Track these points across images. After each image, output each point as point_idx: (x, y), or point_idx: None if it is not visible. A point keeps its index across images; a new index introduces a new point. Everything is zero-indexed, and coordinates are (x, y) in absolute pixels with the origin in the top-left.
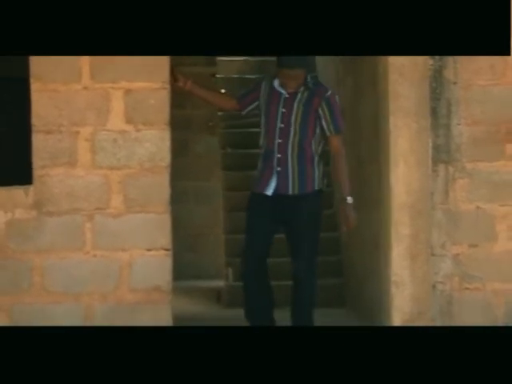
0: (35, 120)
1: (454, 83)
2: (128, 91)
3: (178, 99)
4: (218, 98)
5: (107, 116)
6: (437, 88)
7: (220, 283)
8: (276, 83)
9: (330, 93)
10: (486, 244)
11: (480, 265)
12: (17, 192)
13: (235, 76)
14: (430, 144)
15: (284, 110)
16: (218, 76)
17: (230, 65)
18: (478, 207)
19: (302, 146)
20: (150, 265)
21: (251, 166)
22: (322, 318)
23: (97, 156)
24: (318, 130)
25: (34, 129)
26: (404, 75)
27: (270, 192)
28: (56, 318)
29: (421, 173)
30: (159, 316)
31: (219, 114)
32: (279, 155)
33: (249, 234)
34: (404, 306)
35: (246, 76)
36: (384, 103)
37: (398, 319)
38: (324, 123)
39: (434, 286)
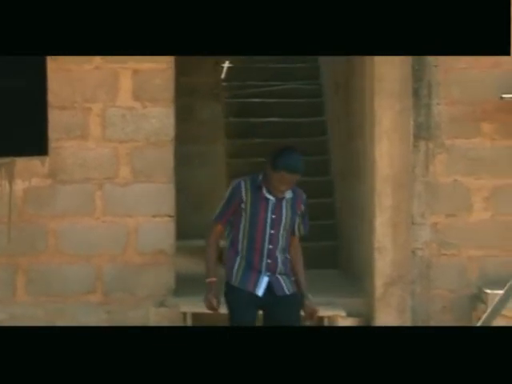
0: (51, 97)
1: (435, 66)
2: (136, 71)
3: (184, 67)
4: (216, 254)
5: (116, 94)
6: (419, 70)
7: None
8: (264, 189)
9: (304, 194)
10: (462, 214)
11: (456, 233)
12: (34, 162)
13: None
14: (412, 122)
15: (274, 217)
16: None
17: None
18: (455, 180)
19: (287, 248)
20: (154, 230)
21: (252, 134)
22: (316, 277)
23: (107, 130)
24: None
25: (49, 105)
26: (388, 58)
27: (260, 293)
28: (69, 277)
29: (403, 148)
30: (163, 277)
31: (223, 84)
32: (269, 260)
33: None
34: (386, 270)
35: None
36: (370, 84)
37: (380, 282)
38: (296, 224)
39: (413, 252)
